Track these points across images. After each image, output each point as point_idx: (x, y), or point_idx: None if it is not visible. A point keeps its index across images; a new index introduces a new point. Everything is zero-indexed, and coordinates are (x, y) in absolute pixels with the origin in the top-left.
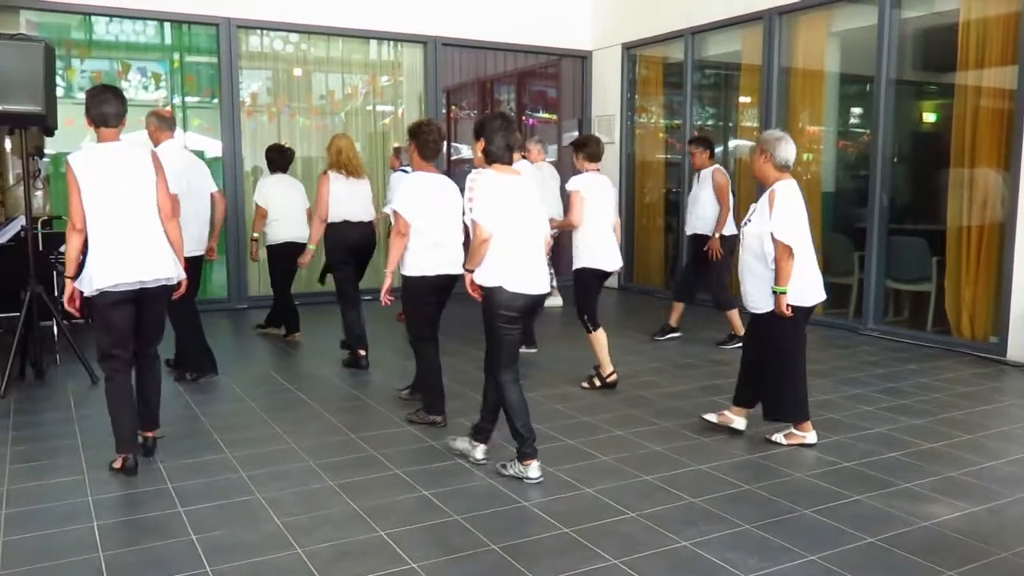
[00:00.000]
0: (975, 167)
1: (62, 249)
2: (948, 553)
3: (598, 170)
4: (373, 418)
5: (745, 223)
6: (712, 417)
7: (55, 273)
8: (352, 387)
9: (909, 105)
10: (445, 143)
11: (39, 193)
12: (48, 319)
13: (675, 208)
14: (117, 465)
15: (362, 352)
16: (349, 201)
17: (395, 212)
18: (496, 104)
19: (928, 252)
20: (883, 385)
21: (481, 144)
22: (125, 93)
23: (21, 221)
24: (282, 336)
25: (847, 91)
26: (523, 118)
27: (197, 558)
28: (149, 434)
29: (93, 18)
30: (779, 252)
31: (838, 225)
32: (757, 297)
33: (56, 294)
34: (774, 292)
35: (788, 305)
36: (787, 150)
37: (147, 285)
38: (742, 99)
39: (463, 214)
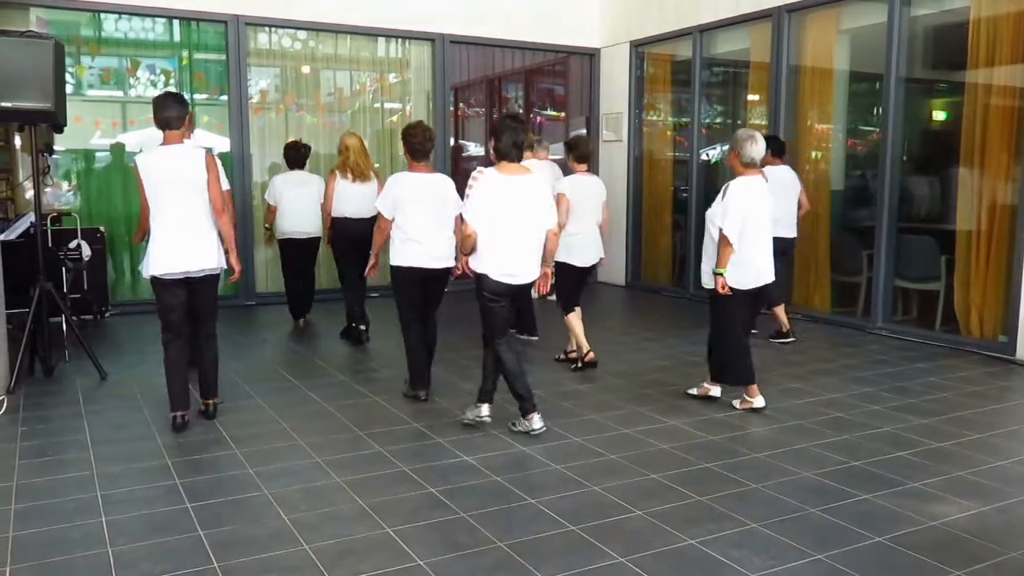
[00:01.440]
0: (985, 166)
1: (71, 245)
2: (956, 552)
3: (587, 170)
4: (380, 415)
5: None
6: (694, 390)
7: (64, 269)
8: (359, 384)
9: (918, 103)
10: (435, 143)
11: (48, 189)
12: (57, 315)
13: (683, 206)
14: (171, 422)
15: (362, 327)
16: (350, 200)
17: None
18: (504, 102)
19: (937, 251)
20: (891, 384)
21: (493, 142)
22: (133, 90)
23: (31, 217)
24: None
25: (856, 89)
26: (531, 116)
27: (204, 554)
28: (209, 401)
29: (102, 15)
30: (720, 238)
31: (846, 223)
32: (708, 274)
33: (65, 290)
34: (714, 272)
35: (724, 285)
36: (753, 149)
37: (192, 274)
38: (750, 97)
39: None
